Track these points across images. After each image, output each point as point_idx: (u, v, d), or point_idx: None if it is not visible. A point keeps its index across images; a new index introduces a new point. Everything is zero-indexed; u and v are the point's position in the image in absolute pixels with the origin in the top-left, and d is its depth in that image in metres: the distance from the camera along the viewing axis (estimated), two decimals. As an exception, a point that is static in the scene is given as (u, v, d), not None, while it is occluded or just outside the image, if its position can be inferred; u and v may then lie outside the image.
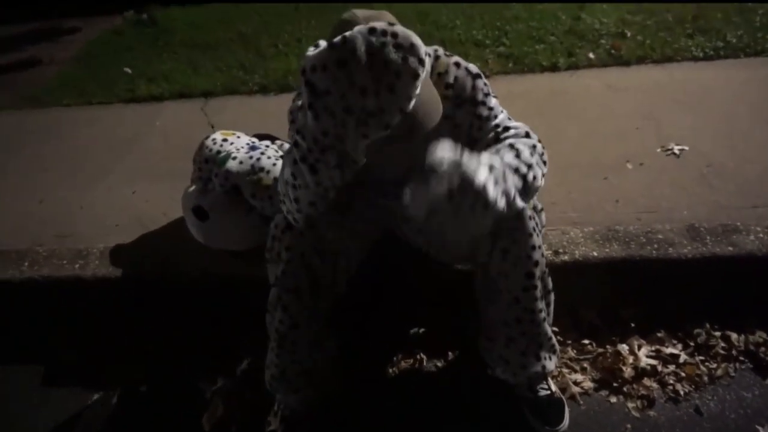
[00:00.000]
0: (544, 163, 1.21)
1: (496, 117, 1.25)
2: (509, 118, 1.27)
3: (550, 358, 1.40)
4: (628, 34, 3.03)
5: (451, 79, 1.22)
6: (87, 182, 2.41)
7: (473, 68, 1.25)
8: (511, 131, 1.23)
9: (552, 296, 1.39)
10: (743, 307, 1.60)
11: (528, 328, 1.33)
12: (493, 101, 1.26)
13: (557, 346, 1.43)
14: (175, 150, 2.55)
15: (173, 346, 1.77)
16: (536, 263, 1.27)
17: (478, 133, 1.25)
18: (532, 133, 1.24)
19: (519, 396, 1.45)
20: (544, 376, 1.42)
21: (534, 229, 1.26)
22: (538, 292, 1.31)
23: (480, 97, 1.23)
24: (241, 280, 1.77)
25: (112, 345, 1.80)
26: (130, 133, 2.80)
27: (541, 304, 1.33)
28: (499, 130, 1.24)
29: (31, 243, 2.04)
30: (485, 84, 1.25)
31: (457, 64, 1.24)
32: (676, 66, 2.71)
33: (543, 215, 1.36)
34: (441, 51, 1.24)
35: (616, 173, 2.00)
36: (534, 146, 1.19)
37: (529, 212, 1.25)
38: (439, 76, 1.21)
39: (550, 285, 1.38)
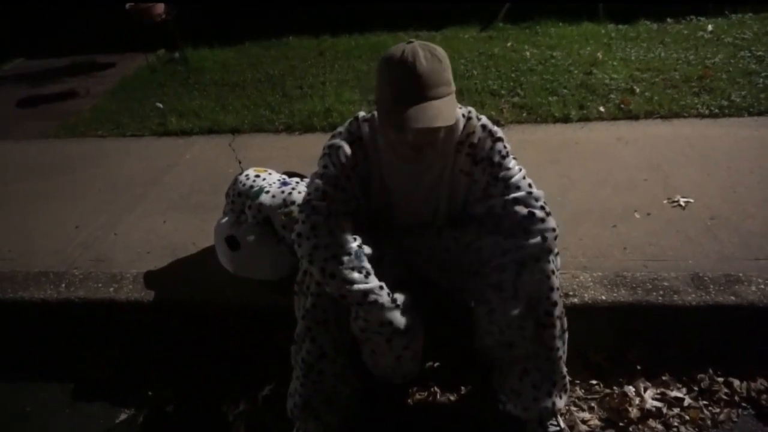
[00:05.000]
0: (551, 250, 1.35)
1: (511, 177, 1.36)
2: (525, 177, 1.37)
3: (561, 397, 1.47)
4: (637, 90, 3.19)
5: (476, 140, 1.37)
6: (120, 210, 2.54)
7: (496, 131, 1.39)
8: (520, 215, 1.33)
9: (566, 336, 1.47)
10: (745, 354, 1.67)
11: (543, 363, 1.42)
12: (510, 162, 1.37)
13: (569, 386, 1.50)
14: (204, 183, 2.69)
15: (199, 370, 1.86)
16: (554, 303, 1.37)
17: (493, 189, 1.36)
18: (545, 218, 1.34)
19: (528, 430, 1.51)
20: (553, 412, 1.49)
21: (553, 272, 1.37)
22: (557, 331, 1.40)
23: (497, 158, 1.36)
24: (265, 309, 1.87)
25: (142, 366, 1.89)
26: (162, 165, 2.95)
27: (559, 343, 1.42)
28: (509, 198, 1.34)
29: (69, 266, 2.16)
30: (504, 147, 1.38)
31: (484, 127, 1.38)
32: (682, 122, 2.85)
33: (558, 259, 1.47)
34: (474, 113, 1.39)
35: (625, 222, 2.10)
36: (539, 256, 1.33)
37: (549, 256, 1.36)
38: (467, 135, 1.37)
39: (566, 325, 1.46)
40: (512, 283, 1.29)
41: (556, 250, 1.44)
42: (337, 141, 1.41)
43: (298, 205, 1.46)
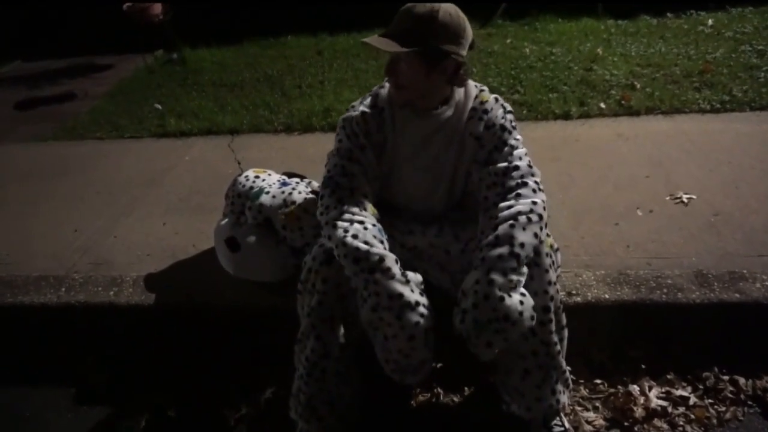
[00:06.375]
0: (540, 217, 1.34)
1: (516, 148, 1.43)
2: (527, 155, 1.43)
3: (564, 393, 1.46)
4: (638, 86, 3.17)
5: (489, 108, 1.46)
6: (120, 212, 2.53)
7: (507, 105, 1.50)
8: (515, 182, 1.37)
9: (565, 332, 1.47)
10: (750, 352, 1.66)
11: (543, 360, 1.41)
12: (518, 135, 1.46)
13: (570, 381, 1.49)
14: (203, 184, 2.68)
15: (200, 373, 1.85)
16: (551, 298, 1.37)
17: (497, 155, 1.41)
18: (537, 190, 1.38)
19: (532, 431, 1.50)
20: (557, 411, 1.48)
21: (550, 266, 1.37)
22: (554, 326, 1.39)
23: (507, 125, 1.44)
24: (266, 311, 1.85)
25: (143, 370, 1.88)
26: (161, 166, 2.94)
27: (556, 338, 1.41)
28: (510, 165, 1.39)
29: (68, 269, 2.14)
30: (513, 119, 1.47)
31: (496, 99, 1.49)
32: (684, 117, 2.84)
33: (558, 255, 1.46)
34: (486, 88, 1.52)
35: (627, 219, 2.08)
36: (530, 213, 1.33)
37: (546, 250, 1.36)
38: (481, 103, 1.46)
39: (564, 321, 1.46)
40: (509, 238, 1.28)
41: (556, 246, 1.43)
42: (350, 113, 1.48)
43: (322, 181, 1.50)
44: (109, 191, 2.73)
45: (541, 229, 1.34)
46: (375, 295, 1.26)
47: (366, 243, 1.30)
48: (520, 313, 1.23)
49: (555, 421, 1.49)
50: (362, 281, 1.28)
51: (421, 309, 1.28)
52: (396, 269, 1.29)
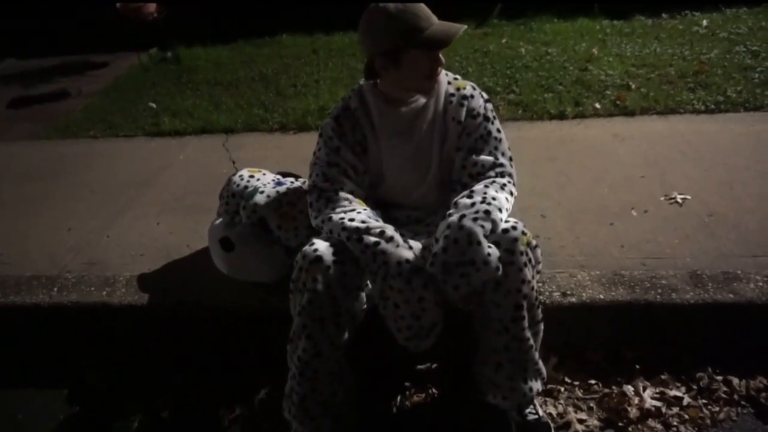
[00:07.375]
0: (511, 193, 1.48)
1: (501, 141, 1.54)
2: (509, 149, 1.55)
3: (537, 381, 1.48)
4: (633, 86, 3.18)
5: (468, 94, 1.54)
6: (113, 212, 2.51)
7: (484, 94, 1.59)
8: (495, 173, 1.50)
9: (541, 326, 1.47)
10: (744, 352, 1.66)
11: (515, 355, 1.41)
12: (498, 125, 1.55)
13: (543, 372, 1.50)
14: (198, 183, 2.67)
15: (194, 373, 1.84)
16: (525, 296, 1.37)
17: (482, 144, 1.52)
18: (510, 177, 1.52)
19: (510, 420, 1.51)
20: (531, 399, 1.49)
21: (525, 264, 1.36)
22: (526, 323, 1.39)
23: (490, 115, 1.55)
24: (260, 311, 1.84)
25: (136, 370, 1.87)
26: (155, 165, 2.92)
27: (529, 333, 1.41)
28: (497, 161, 1.51)
29: (61, 269, 2.13)
30: (492, 108, 1.57)
31: (474, 87, 1.58)
32: (678, 118, 2.85)
33: (538, 251, 1.45)
34: (459, 77, 1.60)
35: (622, 219, 2.09)
36: (504, 185, 1.47)
37: (521, 248, 1.36)
38: (457, 89, 1.55)
39: (540, 316, 1.46)
40: (482, 193, 1.40)
41: (534, 243, 1.42)
42: (324, 122, 1.57)
43: (307, 188, 1.58)
44: (102, 190, 2.71)
45: (508, 197, 1.44)
46: (384, 265, 1.34)
47: (364, 221, 1.39)
48: (485, 262, 1.28)
49: (529, 410, 1.51)
50: (370, 255, 1.35)
51: (427, 273, 1.34)
52: (398, 237, 1.38)
